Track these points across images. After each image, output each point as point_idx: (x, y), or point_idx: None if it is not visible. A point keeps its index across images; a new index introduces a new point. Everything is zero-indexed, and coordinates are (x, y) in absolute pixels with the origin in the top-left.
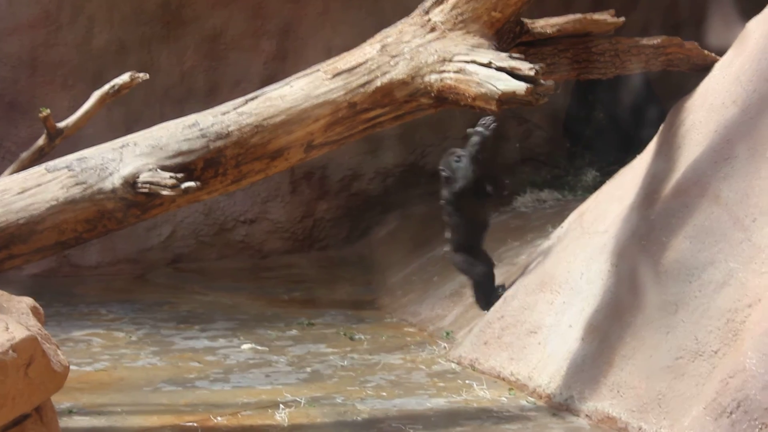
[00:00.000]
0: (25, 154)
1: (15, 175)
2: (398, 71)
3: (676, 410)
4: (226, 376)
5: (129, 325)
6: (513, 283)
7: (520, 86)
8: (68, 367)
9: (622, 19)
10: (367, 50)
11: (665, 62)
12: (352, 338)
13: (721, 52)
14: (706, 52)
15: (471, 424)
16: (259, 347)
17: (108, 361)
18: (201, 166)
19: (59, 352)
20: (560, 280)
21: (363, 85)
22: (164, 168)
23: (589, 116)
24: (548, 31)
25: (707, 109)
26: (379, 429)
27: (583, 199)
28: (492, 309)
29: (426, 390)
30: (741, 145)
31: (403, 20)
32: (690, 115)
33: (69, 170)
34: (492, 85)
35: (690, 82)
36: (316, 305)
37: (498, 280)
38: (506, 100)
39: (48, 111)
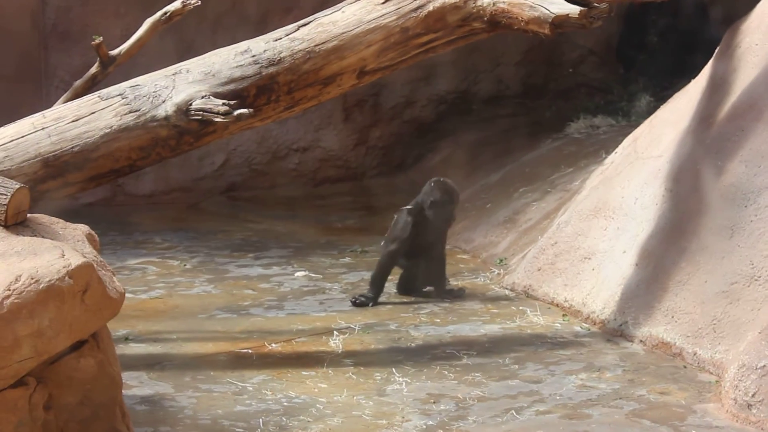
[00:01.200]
0: (78, 82)
1: (69, 103)
2: None
3: (731, 335)
4: (280, 303)
5: (183, 253)
6: (566, 209)
7: (574, 9)
8: (124, 293)
9: None
10: None
11: None
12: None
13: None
14: None
15: (525, 350)
16: (312, 274)
17: (163, 288)
18: (253, 92)
19: (115, 279)
20: (614, 205)
21: (415, 10)
22: (217, 95)
23: (643, 41)
24: None
25: (763, 31)
26: (433, 355)
27: (637, 124)
28: (545, 235)
29: (479, 316)
30: None
31: None
32: (746, 37)
33: (122, 98)
34: (545, 8)
35: (743, 4)
36: (370, 232)
37: (551, 207)
38: (559, 23)
39: (100, 39)
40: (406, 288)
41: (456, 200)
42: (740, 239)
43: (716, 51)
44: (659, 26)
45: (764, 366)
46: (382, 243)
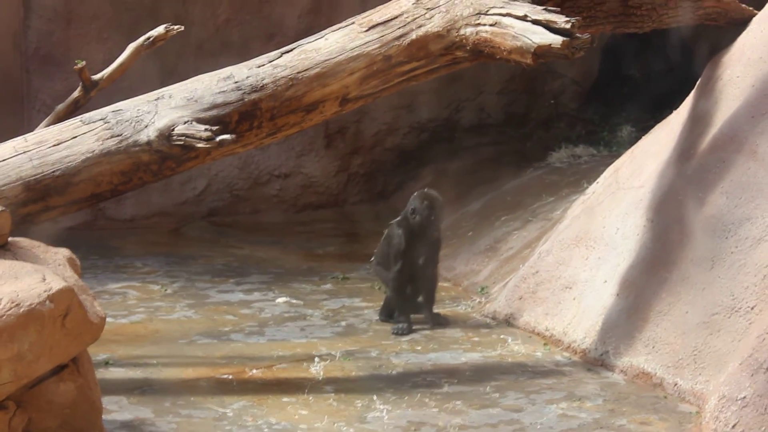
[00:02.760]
0: (60, 107)
1: (51, 128)
2: (433, 24)
3: (711, 366)
4: (261, 329)
5: (164, 278)
6: (548, 238)
7: (556, 39)
8: (104, 318)
9: None
10: (403, 3)
11: (702, 16)
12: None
13: (759, 6)
14: (743, 5)
15: (506, 379)
16: (293, 301)
17: (143, 313)
18: (236, 118)
19: (95, 303)
20: (595, 235)
21: (398, 38)
22: (199, 120)
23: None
24: None
25: (744, 63)
26: (414, 383)
27: (619, 154)
28: (527, 264)
29: (461, 345)
30: None
31: None
32: (727, 69)
33: (104, 122)
34: (528, 38)
35: (726, 38)
36: (351, 259)
37: (532, 236)
38: (542, 53)
39: (83, 63)
40: (390, 313)
41: (438, 207)
42: (721, 270)
43: (698, 83)
44: (640, 58)
45: (744, 397)
46: (372, 260)
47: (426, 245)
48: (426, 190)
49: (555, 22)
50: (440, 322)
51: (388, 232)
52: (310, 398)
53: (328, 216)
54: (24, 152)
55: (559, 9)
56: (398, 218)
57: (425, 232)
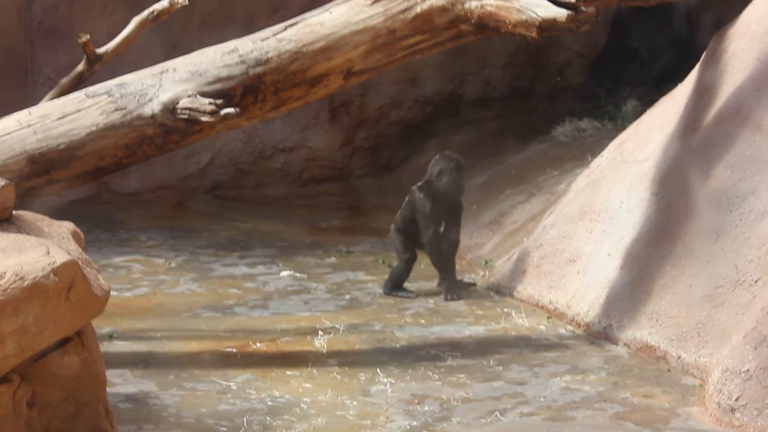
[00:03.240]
0: (64, 80)
1: (55, 101)
2: None
3: (715, 339)
4: (265, 302)
5: (168, 251)
6: (552, 212)
7: (561, 13)
8: (109, 291)
9: None
10: None
11: None
12: (390, 266)
13: None
14: None
15: (509, 352)
16: (297, 274)
17: (148, 287)
18: (240, 92)
19: (100, 276)
20: (600, 208)
21: (403, 12)
22: (203, 94)
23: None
24: None
25: (750, 36)
26: (418, 356)
27: (623, 128)
28: (531, 237)
29: (464, 318)
30: None
31: None
32: (732, 43)
33: (109, 96)
34: (532, 11)
35: (732, 11)
36: (355, 233)
37: (537, 209)
38: (547, 26)
39: (87, 37)
40: (396, 284)
41: (463, 168)
42: (725, 243)
43: (703, 56)
44: (647, 31)
45: (748, 370)
46: (392, 227)
47: (449, 209)
48: (448, 152)
49: None
50: (456, 291)
51: (410, 198)
52: (314, 371)
53: (332, 189)
54: (28, 126)
55: None
56: (419, 183)
57: (449, 195)
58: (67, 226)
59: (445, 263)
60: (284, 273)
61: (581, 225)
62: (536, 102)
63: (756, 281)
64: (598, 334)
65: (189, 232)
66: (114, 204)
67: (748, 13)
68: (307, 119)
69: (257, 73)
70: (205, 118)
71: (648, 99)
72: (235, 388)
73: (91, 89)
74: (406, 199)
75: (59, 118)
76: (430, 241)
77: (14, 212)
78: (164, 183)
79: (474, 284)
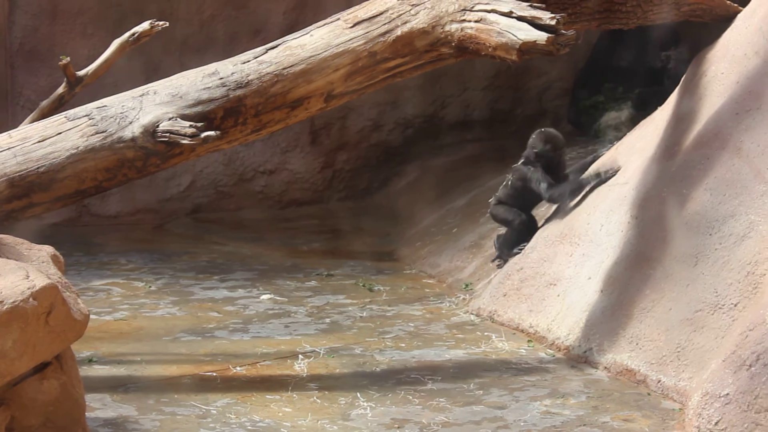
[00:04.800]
0: (45, 103)
1: (35, 124)
2: (419, 20)
3: (695, 363)
4: (245, 326)
5: (148, 274)
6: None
7: (541, 36)
8: (88, 315)
9: None
10: None
11: (688, 12)
12: (371, 289)
13: (743, 3)
14: (728, 2)
15: (490, 376)
16: (278, 298)
17: (128, 310)
18: (221, 115)
19: (79, 300)
20: (580, 231)
21: (383, 34)
22: (184, 117)
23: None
24: None
25: (729, 60)
26: (398, 380)
27: (603, 151)
28: (511, 261)
29: (445, 341)
30: (763, 97)
31: None
32: (712, 66)
33: (89, 118)
34: (513, 34)
35: (712, 34)
36: (336, 256)
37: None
38: (527, 50)
39: (68, 59)
40: (512, 246)
41: (562, 146)
42: (705, 267)
43: (682, 79)
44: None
45: (728, 394)
46: (492, 202)
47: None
48: (544, 129)
49: (540, 19)
50: None
51: (516, 174)
52: (294, 396)
53: (312, 212)
54: (8, 148)
55: (544, 5)
56: (521, 160)
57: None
58: (46, 250)
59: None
60: (264, 296)
61: (561, 248)
62: (517, 125)
63: (735, 305)
64: (579, 358)
65: (169, 255)
66: (94, 227)
67: (727, 36)
68: (288, 142)
69: (238, 95)
70: (185, 141)
71: (629, 122)
72: (215, 412)
73: (71, 112)
74: (509, 177)
75: (39, 141)
76: (553, 196)
77: None
78: (145, 206)
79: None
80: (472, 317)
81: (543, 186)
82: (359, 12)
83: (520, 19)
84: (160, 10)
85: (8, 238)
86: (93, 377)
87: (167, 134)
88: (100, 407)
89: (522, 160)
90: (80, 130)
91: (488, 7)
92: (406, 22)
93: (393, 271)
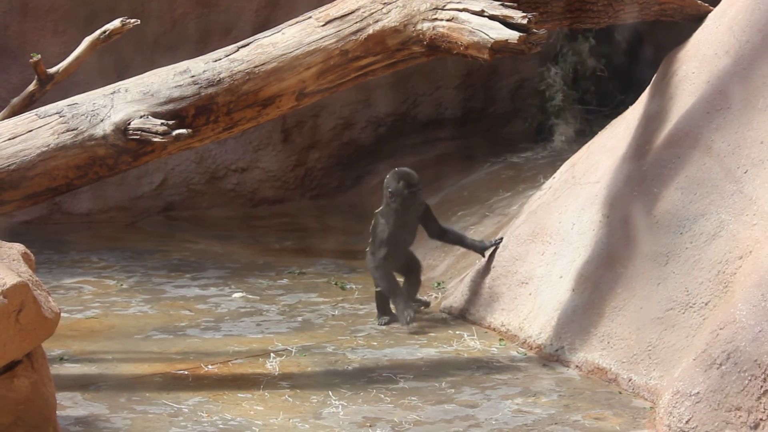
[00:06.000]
0: (15, 100)
1: (6, 121)
2: (390, 19)
3: (666, 361)
4: (217, 324)
5: (120, 272)
6: (504, 233)
7: (513, 35)
8: (59, 313)
9: None
10: None
11: (659, 12)
12: (343, 288)
13: (714, 2)
14: (699, 2)
15: (461, 374)
16: (250, 296)
17: (99, 308)
18: (192, 113)
19: (50, 298)
20: (551, 230)
21: (355, 33)
22: (155, 115)
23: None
24: None
25: (700, 59)
26: (370, 378)
27: (575, 150)
28: (483, 259)
29: (416, 340)
30: (733, 96)
31: None
32: (682, 65)
33: (60, 116)
34: (484, 33)
35: (683, 33)
36: (308, 254)
37: (489, 231)
38: (498, 48)
39: (39, 56)
40: (387, 310)
41: (416, 183)
42: (675, 266)
43: (653, 79)
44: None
45: (698, 393)
46: (367, 250)
47: (412, 224)
48: (397, 169)
49: (512, 18)
50: (422, 304)
51: (374, 223)
52: (266, 394)
53: (284, 211)
54: None
55: (515, 5)
56: (380, 207)
57: (409, 210)
58: (17, 248)
59: (414, 277)
60: (236, 295)
61: (533, 247)
62: (489, 123)
63: (706, 304)
64: (550, 357)
65: (141, 253)
66: (65, 225)
67: (697, 36)
68: (260, 140)
69: (209, 93)
70: (156, 139)
71: (599, 122)
72: (186, 410)
73: (42, 109)
74: (372, 224)
75: (10, 139)
76: (380, 264)
77: None
78: (116, 204)
79: (428, 303)
80: (444, 316)
81: (376, 245)
82: (331, 10)
83: (492, 18)
84: (132, 7)
85: None
86: (64, 375)
87: (138, 132)
88: (71, 405)
89: (381, 208)
90: (51, 128)
91: (460, 6)
92: (377, 21)
93: (365, 269)
